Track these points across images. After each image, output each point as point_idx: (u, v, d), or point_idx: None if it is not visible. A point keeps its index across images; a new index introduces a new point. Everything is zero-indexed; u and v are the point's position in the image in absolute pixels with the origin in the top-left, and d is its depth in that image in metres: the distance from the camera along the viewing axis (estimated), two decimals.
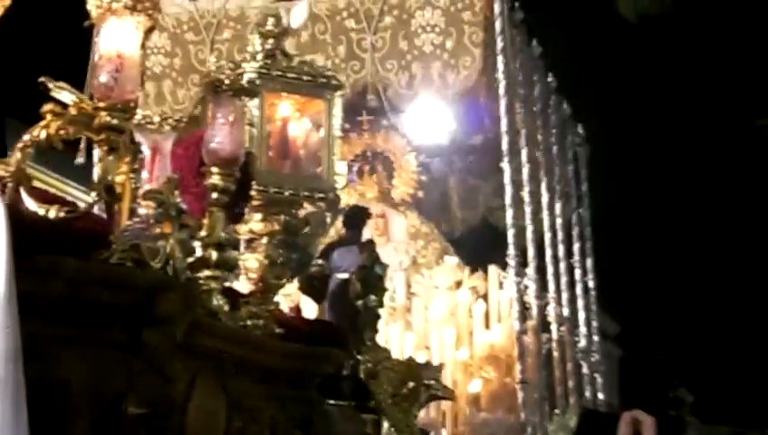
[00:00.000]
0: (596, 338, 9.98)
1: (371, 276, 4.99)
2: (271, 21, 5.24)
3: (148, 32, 3.79)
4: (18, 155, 3.42)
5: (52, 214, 3.37)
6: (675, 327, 14.56)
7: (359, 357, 4.87)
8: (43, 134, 3.48)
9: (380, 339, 8.07)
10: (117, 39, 3.54)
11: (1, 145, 3.74)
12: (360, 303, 4.93)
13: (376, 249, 5.11)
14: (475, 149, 9.85)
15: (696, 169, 14.47)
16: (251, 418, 4.19)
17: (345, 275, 4.99)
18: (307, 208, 5.09)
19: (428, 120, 9.01)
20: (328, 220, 5.22)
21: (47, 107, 3.52)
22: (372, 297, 4.97)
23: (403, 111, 9.02)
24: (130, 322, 3.48)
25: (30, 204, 3.35)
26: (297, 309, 6.29)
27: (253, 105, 4.95)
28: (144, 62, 3.81)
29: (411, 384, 5.16)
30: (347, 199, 9.19)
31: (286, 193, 4.98)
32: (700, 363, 14.39)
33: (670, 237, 14.60)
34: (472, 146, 9.97)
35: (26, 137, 3.45)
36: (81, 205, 3.53)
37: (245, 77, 4.84)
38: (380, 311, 5.07)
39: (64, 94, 3.58)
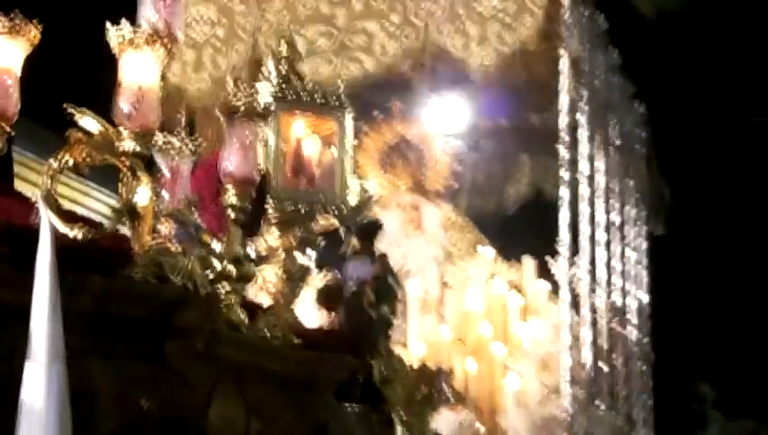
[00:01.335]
0: (646, 330, 9.59)
1: (384, 287, 5.21)
2: (283, 44, 5.50)
3: (168, 61, 4.03)
4: (48, 180, 3.67)
5: (78, 234, 3.62)
6: (697, 321, 14.49)
7: (372, 364, 5.08)
8: (71, 161, 3.73)
9: (414, 333, 8.01)
10: (137, 71, 3.80)
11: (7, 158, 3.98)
12: (373, 312, 5.15)
13: (388, 261, 5.33)
14: (533, 127, 9.50)
15: (744, 165, 14.32)
16: (270, 423, 4.42)
17: (358, 286, 5.19)
18: (321, 222, 5.31)
19: (476, 97, 8.89)
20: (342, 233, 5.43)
21: (72, 133, 3.77)
22: (385, 307, 5.19)
23: (453, 84, 8.83)
24: (153, 334, 3.73)
25: (58, 225, 3.59)
26: None
27: (269, 126, 5.21)
28: (163, 92, 4.04)
29: (424, 389, 5.39)
30: (380, 191, 9.09)
31: (301, 209, 5.23)
32: (722, 358, 14.33)
33: (700, 230, 14.47)
34: (529, 124, 9.64)
35: (53, 162, 3.70)
36: (106, 221, 3.79)
37: (261, 99, 5.08)
38: (393, 320, 5.29)
39: (87, 120, 3.84)
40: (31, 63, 3.92)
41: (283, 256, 5.23)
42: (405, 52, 7.91)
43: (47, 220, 3.41)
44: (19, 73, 3.78)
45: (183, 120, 8.11)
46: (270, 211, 5.15)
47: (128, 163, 3.73)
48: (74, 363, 3.56)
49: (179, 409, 3.70)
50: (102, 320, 3.65)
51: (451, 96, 9.23)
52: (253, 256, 4.65)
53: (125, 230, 3.96)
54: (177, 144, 4.43)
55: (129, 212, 3.75)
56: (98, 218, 4.12)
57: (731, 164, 14.46)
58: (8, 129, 3.74)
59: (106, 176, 4.27)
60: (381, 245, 8.79)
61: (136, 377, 3.65)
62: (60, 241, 3.59)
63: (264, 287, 5.25)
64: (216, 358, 3.93)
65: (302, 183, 5.34)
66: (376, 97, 9.17)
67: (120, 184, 3.80)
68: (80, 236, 3.63)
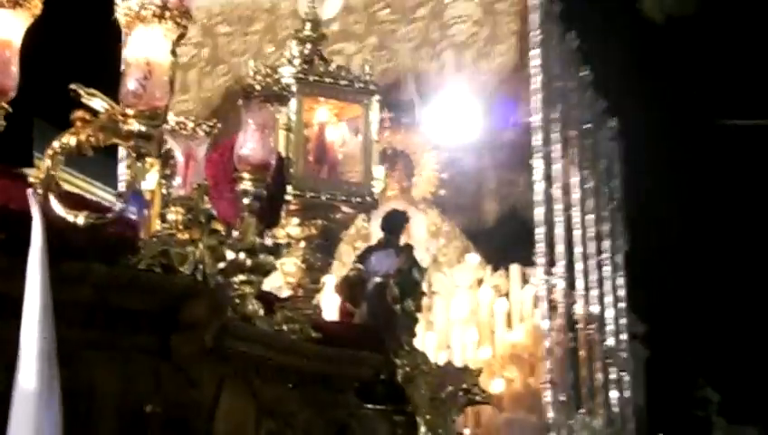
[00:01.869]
0: (624, 337, 9.83)
1: (409, 280, 4.99)
2: (308, 26, 5.27)
3: (179, 38, 3.80)
4: (48, 162, 3.45)
5: (81, 220, 3.39)
6: (701, 327, 14.44)
7: (396, 361, 4.87)
8: (73, 141, 3.51)
9: None
10: (145, 46, 3.56)
11: (28, 146, 3.77)
12: (397, 307, 4.93)
13: (414, 253, 5.11)
14: (509, 143, 9.65)
15: (732, 170, 14.33)
16: (285, 423, 4.21)
17: (382, 279, 4.98)
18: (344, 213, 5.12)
19: (457, 115, 8.94)
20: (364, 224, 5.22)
21: (77, 114, 3.55)
22: (410, 301, 4.98)
23: (433, 102, 8.92)
24: (159, 327, 3.51)
25: (59, 210, 3.37)
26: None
27: (290, 110, 4.99)
28: (175, 69, 3.82)
29: (449, 388, 5.16)
30: None
31: (323, 198, 5.02)
32: (726, 363, 14.27)
33: (700, 236, 14.47)
34: (505, 140, 9.79)
35: (56, 144, 3.48)
36: (112, 207, 3.56)
37: (282, 82, 4.86)
38: (418, 314, 5.07)
39: (95, 101, 3.61)
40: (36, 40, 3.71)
41: (303, 246, 5.04)
42: (381, 74, 7.94)
43: (38, 208, 3.16)
44: (18, 46, 3.55)
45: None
46: (290, 199, 4.93)
47: (133, 144, 3.50)
48: (73, 358, 3.35)
49: (185, 407, 3.48)
50: (104, 312, 3.42)
51: (439, 107, 9.29)
52: (270, 245, 4.41)
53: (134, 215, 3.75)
54: (191, 126, 4.19)
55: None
56: None
57: (715, 164, 14.35)
58: (6, 105, 3.51)
59: None
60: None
61: (139, 373, 3.43)
62: (60, 227, 3.37)
63: (284, 278, 5.07)
64: (226, 353, 3.71)
65: (324, 171, 5.13)
66: None
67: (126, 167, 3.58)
68: (81, 221, 3.39)
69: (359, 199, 5.11)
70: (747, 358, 14.30)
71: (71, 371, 3.27)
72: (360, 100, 5.17)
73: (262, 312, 4.29)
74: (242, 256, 4.14)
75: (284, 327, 4.43)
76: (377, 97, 5.21)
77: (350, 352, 4.73)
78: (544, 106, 7.91)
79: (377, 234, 8.94)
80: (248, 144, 4.09)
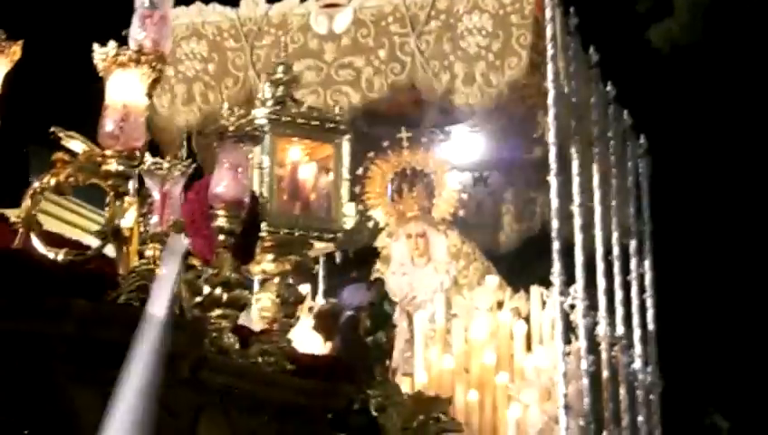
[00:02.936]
0: (652, 359, 9.62)
1: (380, 313, 5.13)
2: (281, 69, 5.44)
3: (155, 82, 3.97)
4: (28, 202, 3.60)
5: (60, 257, 3.54)
6: (711, 354, 14.42)
7: (368, 392, 5.00)
8: (53, 181, 3.66)
9: (420, 363, 8.01)
10: (122, 90, 3.72)
11: (24, 173, 3.92)
12: (369, 339, 5.07)
13: (384, 287, 5.25)
14: (532, 160, 9.57)
15: (760, 190, 14.29)
16: None
17: (354, 312, 5.12)
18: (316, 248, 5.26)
19: (476, 132, 8.88)
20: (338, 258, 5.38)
21: (57, 155, 3.71)
22: (381, 334, 5.12)
23: (452, 119, 8.89)
24: None
25: (39, 247, 3.52)
26: None
27: (264, 150, 5.15)
28: (150, 112, 3.98)
29: (421, 418, 5.30)
30: (386, 219, 9.12)
31: (296, 234, 5.16)
32: (736, 391, 14.26)
33: (717, 261, 14.39)
34: (528, 157, 9.72)
35: (36, 184, 3.63)
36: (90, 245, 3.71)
37: (256, 123, 5.02)
38: (389, 347, 5.21)
39: (74, 143, 3.77)
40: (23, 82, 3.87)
41: (277, 281, 5.18)
42: (391, 87, 7.96)
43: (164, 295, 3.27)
44: None
45: (182, 142, 8.21)
46: (264, 236, 5.08)
47: (111, 184, 3.65)
48: (58, 391, 3.49)
49: None
50: (86, 345, 3.55)
51: (454, 128, 9.29)
52: (245, 280, 4.56)
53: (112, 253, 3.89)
54: (167, 166, 4.34)
55: (114, 234, 3.67)
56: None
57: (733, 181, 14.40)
58: None
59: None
60: (389, 273, 8.91)
61: None
62: (42, 264, 3.52)
63: (259, 313, 5.19)
64: (202, 384, 3.84)
65: (297, 208, 5.27)
66: (384, 127, 9.22)
67: (105, 206, 3.73)
68: (62, 258, 3.54)
69: (331, 236, 5.26)
70: (757, 386, 14.28)
71: (53, 404, 3.41)
72: (332, 139, 5.33)
73: (238, 345, 4.44)
74: (218, 290, 4.28)
75: (260, 360, 4.58)
76: (347, 136, 5.36)
77: (324, 384, 4.87)
78: (560, 121, 7.79)
79: (396, 257, 9.04)
80: (222, 182, 4.24)
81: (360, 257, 5.32)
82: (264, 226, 5.05)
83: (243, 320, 4.89)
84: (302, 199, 5.29)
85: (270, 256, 5.18)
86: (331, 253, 5.33)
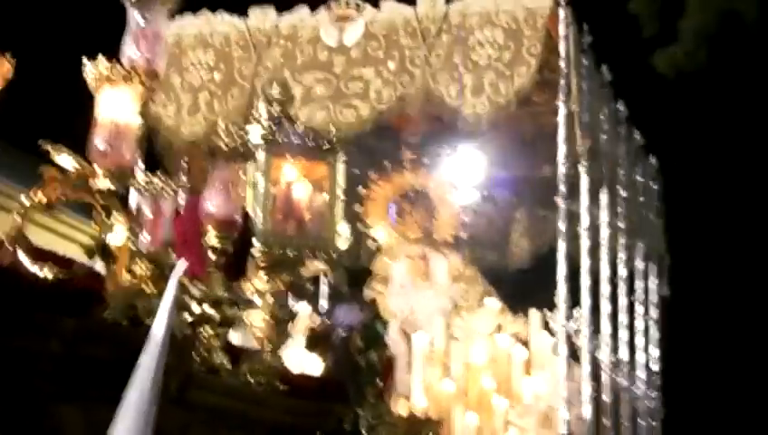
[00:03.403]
0: (656, 384, 9.57)
1: (372, 333, 5.11)
2: (276, 88, 5.42)
3: (147, 100, 3.97)
4: (18, 219, 3.59)
5: (47, 273, 3.53)
6: (714, 380, 14.39)
7: (359, 412, 4.98)
8: (43, 198, 3.65)
9: (419, 386, 7.95)
10: (113, 107, 3.72)
11: None
12: (361, 359, 5.05)
13: (377, 308, 5.24)
14: (542, 179, 9.46)
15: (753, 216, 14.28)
16: None
17: (347, 332, 5.10)
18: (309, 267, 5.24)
19: (482, 152, 8.87)
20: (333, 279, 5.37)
21: (47, 171, 3.70)
22: (373, 354, 5.10)
23: (458, 139, 8.85)
24: (125, 378, 3.62)
25: (28, 264, 3.51)
26: None
27: (258, 168, 5.13)
28: (143, 128, 3.97)
29: None
30: (388, 241, 9.10)
31: (290, 253, 5.15)
32: (738, 417, 14.24)
33: (715, 286, 14.36)
34: (538, 176, 9.63)
35: (26, 201, 3.62)
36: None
37: (250, 141, 5.02)
38: (380, 367, 5.19)
39: (63, 157, 3.76)
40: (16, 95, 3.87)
41: (270, 300, 5.16)
42: (400, 99, 7.91)
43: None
44: None
45: (180, 161, 8.18)
46: (257, 255, 5.06)
47: (101, 202, 3.64)
48: (44, 409, 3.48)
49: None
50: (72, 363, 3.54)
51: (462, 147, 9.22)
52: (236, 299, 4.54)
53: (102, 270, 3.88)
54: (159, 184, 4.33)
55: (102, 251, 3.66)
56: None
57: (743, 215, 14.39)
58: None
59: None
60: (390, 294, 8.87)
61: (106, 423, 3.53)
62: (30, 280, 3.51)
63: (252, 332, 5.18)
64: (190, 402, 3.83)
65: (290, 227, 5.25)
66: (386, 147, 9.20)
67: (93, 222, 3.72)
68: (50, 275, 3.53)
69: (324, 256, 5.24)
70: (758, 413, 14.25)
71: (39, 421, 3.40)
72: (326, 159, 5.31)
73: (228, 364, 4.42)
74: (208, 308, 4.27)
75: (250, 379, 4.56)
76: (342, 157, 5.35)
77: (315, 404, 4.85)
78: (570, 140, 7.72)
79: (397, 278, 8.99)
80: (214, 201, 4.23)
81: (352, 277, 5.30)
82: (257, 244, 5.03)
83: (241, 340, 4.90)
84: (296, 218, 5.27)
85: (263, 275, 5.16)
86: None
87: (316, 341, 5.22)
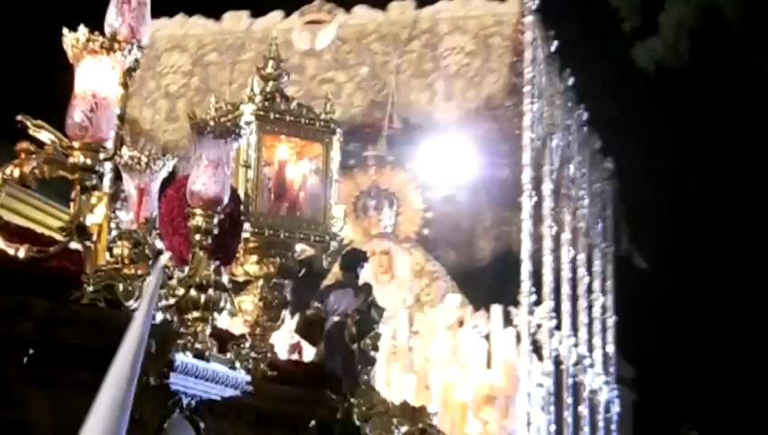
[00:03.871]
0: (611, 378, 9.80)
1: (367, 320, 4.92)
2: (271, 64, 5.24)
3: (130, 70, 3.79)
4: None
5: (21, 253, 3.35)
6: (687, 371, 14.51)
7: (353, 400, 4.81)
8: (17, 172, 3.47)
9: (381, 379, 7.90)
10: (92, 78, 3.53)
11: None
12: (354, 346, 4.87)
13: (372, 293, 5.05)
14: (504, 180, 9.59)
15: (723, 213, 14.40)
16: None
17: (340, 318, 4.92)
18: (302, 251, 5.07)
19: (450, 151, 8.91)
20: (325, 263, 5.20)
21: (22, 145, 3.52)
22: (367, 341, 4.92)
23: (425, 138, 8.92)
24: (101, 363, 3.44)
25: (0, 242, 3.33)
26: (298, 346, 6.26)
27: (249, 147, 4.95)
28: (125, 102, 3.79)
29: (405, 428, 5.11)
30: (352, 236, 9.07)
31: (282, 236, 4.97)
32: (711, 407, 14.35)
33: (691, 281, 14.51)
34: (500, 177, 9.72)
35: None
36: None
37: (243, 118, 4.83)
38: (375, 354, 5.01)
39: (42, 133, 3.58)
40: None
41: (261, 283, 4.99)
42: (371, 103, 8.03)
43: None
44: None
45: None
46: (248, 237, 4.88)
47: (78, 177, 3.45)
48: (13, 395, 3.30)
49: None
50: (44, 347, 3.36)
51: (425, 146, 9.26)
52: (225, 282, 4.35)
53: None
54: (145, 160, 4.15)
55: (78, 230, 3.47)
56: None
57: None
58: None
59: None
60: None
61: (79, 409, 3.35)
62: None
63: (241, 316, 5.01)
64: (171, 390, 3.64)
65: (283, 208, 5.07)
66: (350, 145, 9.20)
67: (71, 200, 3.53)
68: (22, 254, 3.34)
69: (318, 238, 5.06)
70: (731, 402, 14.37)
71: (8, 407, 3.23)
72: (321, 138, 5.12)
73: (215, 349, 4.23)
74: (193, 292, 4.07)
75: (238, 365, 4.37)
76: (338, 136, 5.16)
77: (306, 392, 4.69)
78: (534, 143, 7.94)
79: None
80: (201, 180, 4.02)
81: (347, 262, 5.11)
82: (247, 226, 4.85)
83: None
84: (289, 200, 5.09)
85: (253, 258, 4.99)
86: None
87: (309, 327, 5.04)
